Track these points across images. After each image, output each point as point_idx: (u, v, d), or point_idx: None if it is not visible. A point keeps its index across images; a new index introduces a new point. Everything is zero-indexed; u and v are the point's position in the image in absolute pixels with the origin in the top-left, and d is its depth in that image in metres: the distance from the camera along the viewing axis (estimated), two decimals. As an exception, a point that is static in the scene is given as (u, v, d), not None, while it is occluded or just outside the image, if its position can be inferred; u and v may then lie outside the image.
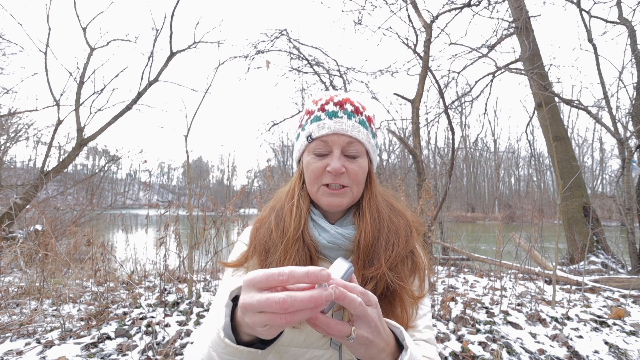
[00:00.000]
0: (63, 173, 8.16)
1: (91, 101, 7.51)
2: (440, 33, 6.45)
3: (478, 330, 2.62)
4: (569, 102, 6.60)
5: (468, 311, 2.93)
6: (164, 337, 2.41)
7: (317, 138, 0.72)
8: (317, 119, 0.73)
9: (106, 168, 12.45)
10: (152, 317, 2.70)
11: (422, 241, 0.82)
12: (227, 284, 0.72)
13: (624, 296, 3.62)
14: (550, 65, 7.39)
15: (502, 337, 2.52)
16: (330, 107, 0.73)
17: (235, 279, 0.72)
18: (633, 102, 6.10)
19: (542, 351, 2.32)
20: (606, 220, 9.49)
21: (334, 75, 7.00)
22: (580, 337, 2.55)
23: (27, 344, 2.25)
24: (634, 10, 6.15)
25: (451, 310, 2.89)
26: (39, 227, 5.25)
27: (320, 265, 0.71)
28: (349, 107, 0.73)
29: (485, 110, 9.33)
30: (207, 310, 2.93)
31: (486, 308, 3.09)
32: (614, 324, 2.81)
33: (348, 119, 0.72)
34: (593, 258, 5.62)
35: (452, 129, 4.89)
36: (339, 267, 0.48)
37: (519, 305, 3.23)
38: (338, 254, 0.73)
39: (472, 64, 7.50)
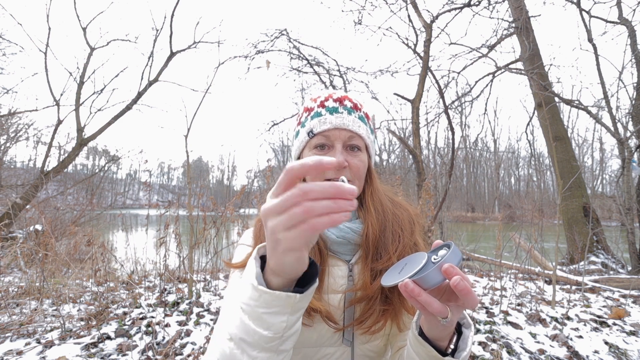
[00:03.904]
0: (63, 173, 8.16)
1: (91, 101, 7.54)
2: (440, 33, 6.45)
3: (478, 330, 2.62)
4: (569, 102, 6.60)
5: (468, 311, 2.93)
6: (164, 337, 2.41)
7: (319, 133, 0.72)
8: (318, 115, 0.73)
9: (106, 168, 12.43)
10: (152, 317, 2.70)
11: (423, 235, 0.83)
12: (237, 284, 0.68)
13: (624, 296, 3.61)
14: (550, 65, 7.39)
15: (502, 337, 2.52)
16: (330, 103, 0.74)
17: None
18: (633, 102, 6.09)
19: (542, 351, 2.32)
20: (606, 220, 9.49)
21: (334, 75, 7.01)
22: (580, 337, 2.55)
23: (27, 344, 2.25)
24: (634, 10, 6.15)
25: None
26: (39, 227, 5.25)
27: (331, 263, 0.72)
28: (348, 104, 0.75)
29: (485, 110, 9.33)
30: (207, 310, 2.93)
31: (486, 308, 3.09)
32: (614, 324, 2.81)
33: (348, 114, 0.73)
34: (593, 258, 5.62)
35: (452, 129, 4.89)
36: (456, 255, 0.46)
37: (519, 305, 3.23)
38: (347, 249, 0.74)
39: (472, 64, 7.50)
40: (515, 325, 2.73)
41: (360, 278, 0.70)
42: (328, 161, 0.37)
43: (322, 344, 0.68)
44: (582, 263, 5.23)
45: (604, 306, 3.29)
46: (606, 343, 2.46)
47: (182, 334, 2.45)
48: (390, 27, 6.14)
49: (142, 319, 2.68)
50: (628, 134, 5.83)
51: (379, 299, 0.68)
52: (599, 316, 2.97)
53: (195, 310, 2.90)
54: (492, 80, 8.07)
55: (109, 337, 2.35)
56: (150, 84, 7.72)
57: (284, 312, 0.45)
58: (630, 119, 6.16)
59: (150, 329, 2.49)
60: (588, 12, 6.52)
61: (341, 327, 0.68)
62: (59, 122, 7.07)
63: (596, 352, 2.34)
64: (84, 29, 7.60)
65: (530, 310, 3.05)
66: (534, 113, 8.11)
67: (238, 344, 0.47)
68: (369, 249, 0.71)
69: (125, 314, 2.78)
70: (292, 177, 0.39)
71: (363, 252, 0.72)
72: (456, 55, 7.29)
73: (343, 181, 0.46)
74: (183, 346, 2.30)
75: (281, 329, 0.46)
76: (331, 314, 0.67)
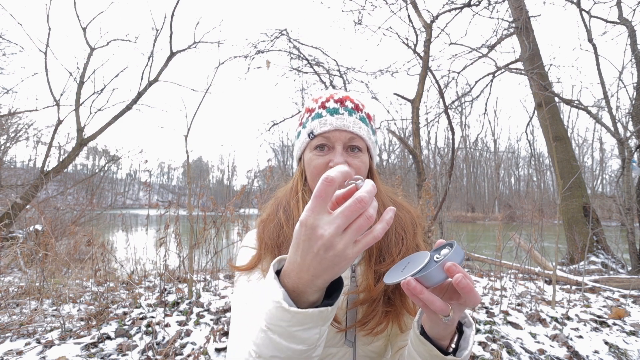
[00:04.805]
0: (63, 173, 8.16)
1: (91, 101, 7.52)
2: (440, 33, 6.45)
3: (478, 330, 2.62)
4: (569, 102, 6.60)
5: (468, 311, 2.93)
6: (164, 337, 2.41)
7: (319, 134, 0.72)
8: (319, 116, 0.73)
9: (106, 168, 12.43)
10: (152, 317, 2.70)
11: (424, 237, 0.83)
12: (245, 289, 0.69)
13: (624, 296, 3.62)
14: (550, 65, 7.39)
15: (502, 337, 2.52)
16: (331, 104, 0.74)
17: (253, 284, 0.69)
18: (633, 102, 6.10)
19: (542, 351, 2.32)
20: (606, 220, 9.48)
21: (334, 75, 6.99)
22: (580, 337, 2.55)
23: (27, 344, 2.25)
24: (634, 10, 6.15)
25: (451, 310, 2.90)
26: (39, 227, 5.25)
27: None
28: (349, 104, 0.74)
29: (485, 110, 9.34)
30: (207, 310, 2.93)
31: (486, 308, 3.09)
32: (614, 324, 2.81)
33: (349, 115, 0.73)
34: (593, 258, 5.62)
35: (452, 129, 4.88)
36: (458, 254, 0.47)
37: (519, 305, 3.23)
38: None
39: (472, 64, 7.50)
40: (515, 325, 2.73)
41: (364, 280, 0.70)
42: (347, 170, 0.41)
43: (324, 344, 0.68)
44: (582, 263, 5.23)
45: (604, 306, 3.29)
46: (606, 343, 2.46)
47: (182, 334, 2.45)
48: (390, 27, 6.13)
49: (142, 319, 2.68)
50: (628, 134, 5.83)
51: (382, 301, 0.68)
52: (599, 316, 2.97)
53: (195, 310, 2.90)
54: (492, 80, 8.07)
55: (109, 337, 2.35)
56: (150, 84, 7.71)
57: (317, 326, 0.46)
58: (630, 119, 6.16)
59: (150, 329, 2.49)
60: (588, 12, 6.52)
61: (344, 327, 0.68)
62: (59, 122, 7.07)
63: (596, 352, 2.34)
64: (84, 29, 7.60)
65: (530, 310, 3.05)
66: (534, 113, 8.11)
67: None
68: (373, 251, 0.71)
69: (125, 314, 2.78)
70: (335, 188, 0.40)
71: (366, 254, 0.72)
72: (456, 55, 7.28)
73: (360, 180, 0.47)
74: (183, 346, 2.30)
75: (315, 340, 0.47)
76: (336, 315, 0.67)
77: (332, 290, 0.49)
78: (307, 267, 0.42)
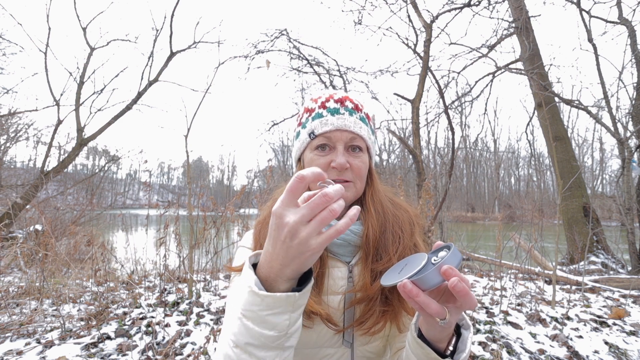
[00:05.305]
0: (63, 173, 8.16)
1: (91, 101, 7.52)
2: (440, 33, 6.44)
3: (478, 330, 2.62)
4: (569, 102, 6.60)
5: (468, 311, 2.93)
6: (164, 337, 2.41)
7: (320, 134, 0.72)
8: (319, 116, 0.73)
9: (106, 168, 12.43)
10: (152, 317, 2.70)
11: (423, 236, 0.83)
12: (238, 289, 0.70)
13: (624, 296, 3.61)
14: (550, 65, 7.38)
15: (502, 337, 2.52)
16: (332, 104, 0.74)
17: None
18: (633, 102, 6.09)
19: (542, 351, 2.32)
20: (606, 220, 9.47)
21: (334, 75, 6.99)
22: (580, 337, 2.55)
23: (27, 344, 2.25)
24: (634, 10, 6.14)
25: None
26: (39, 227, 5.25)
27: (331, 264, 0.73)
28: (349, 105, 0.74)
29: (485, 110, 9.33)
30: (207, 310, 2.93)
31: (486, 308, 3.09)
32: (614, 324, 2.81)
33: (350, 115, 0.73)
34: (593, 258, 5.62)
35: (452, 129, 4.87)
36: (456, 257, 0.47)
37: (519, 305, 3.23)
38: (347, 250, 0.73)
39: (472, 64, 7.49)
40: (515, 325, 2.73)
41: (361, 279, 0.70)
42: (320, 173, 0.45)
43: (322, 345, 0.68)
44: (582, 263, 5.23)
45: (604, 306, 3.29)
46: (606, 343, 2.46)
47: (182, 334, 2.45)
48: (390, 27, 6.13)
49: (142, 319, 2.68)
50: (628, 134, 5.82)
51: (379, 300, 0.68)
52: (599, 316, 2.97)
53: (195, 310, 2.90)
54: (492, 80, 8.07)
55: (109, 337, 2.35)
56: (150, 84, 7.71)
57: (286, 311, 0.48)
58: (630, 119, 6.16)
59: (150, 329, 2.49)
60: (588, 12, 6.51)
61: (341, 328, 0.68)
62: (59, 122, 7.07)
63: (596, 352, 2.34)
64: (84, 29, 7.60)
65: (530, 310, 3.05)
66: (534, 113, 8.11)
67: (244, 349, 0.49)
68: (369, 250, 0.71)
69: (125, 314, 2.78)
70: (305, 185, 0.43)
71: (363, 254, 0.72)
72: (456, 55, 7.28)
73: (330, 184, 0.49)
74: (183, 346, 2.30)
75: (285, 326, 0.48)
76: (331, 316, 0.67)
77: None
78: (277, 256, 0.46)
